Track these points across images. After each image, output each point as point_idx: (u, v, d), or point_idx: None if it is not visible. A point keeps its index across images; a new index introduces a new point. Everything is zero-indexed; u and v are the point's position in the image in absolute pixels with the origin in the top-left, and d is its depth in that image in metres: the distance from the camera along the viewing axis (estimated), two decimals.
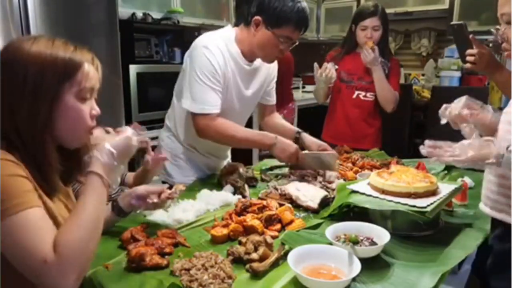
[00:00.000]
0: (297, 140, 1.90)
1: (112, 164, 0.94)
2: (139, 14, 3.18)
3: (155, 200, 1.27)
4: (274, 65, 1.93)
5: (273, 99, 2.03)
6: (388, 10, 4.45)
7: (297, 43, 1.73)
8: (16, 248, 0.80)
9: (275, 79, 2.00)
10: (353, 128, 2.48)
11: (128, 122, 2.85)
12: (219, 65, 1.65)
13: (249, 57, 1.75)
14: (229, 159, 2.10)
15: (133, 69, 2.92)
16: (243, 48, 1.73)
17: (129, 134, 1.00)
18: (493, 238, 1.22)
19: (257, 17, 1.65)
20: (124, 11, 2.99)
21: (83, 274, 0.84)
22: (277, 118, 2.09)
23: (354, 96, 2.44)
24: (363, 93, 2.43)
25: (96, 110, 0.97)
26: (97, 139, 0.97)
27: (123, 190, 1.34)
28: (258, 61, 1.80)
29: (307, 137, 1.92)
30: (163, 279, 1.01)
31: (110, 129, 1.02)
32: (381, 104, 2.42)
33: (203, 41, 1.68)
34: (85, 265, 0.85)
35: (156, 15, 3.37)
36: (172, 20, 3.45)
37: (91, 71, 0.94)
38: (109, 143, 0.95)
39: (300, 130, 1.97)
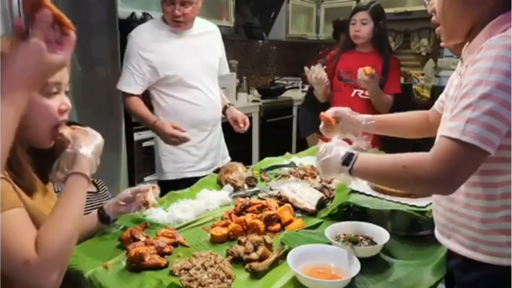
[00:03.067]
0: (224, 110, 2.13)
1: (94, 164, 0.94)
2: (139, 14, 3.17)
3: (144, 199, 1.24)
4: (218, 37, 2.13)
5: (221, 71, 2.18)
6: (387, 10, 4.44)
7: (189, 7, 1.84)
8: None
9: (222, 51, 2.17)
10: None
11: (128, 122, 2.84)
12: (141, 48, 1.89)
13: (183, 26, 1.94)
14: (226, 152, 2.22)
15: None
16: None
17: (94, 133, 0.99)
18: (455, 267, 1.03)
19: None
20: (123, 11, 2.98)
21: (64, 272, 0.84)
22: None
23: (353, 94, 2.43)
24: (362, 91, 2.41)
25: (66, 105, 0.94)
26: (73, 137, 0.94)
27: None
28: (199, 30, 2.01)
29: (232, 110, 2.12)
30: (162, 279, 1.01)
31: (77, 127, 0.99)
32: (376, 109, 2.39)
33: (132, 32, 1.96)
34: (66, 264, 0.85)
35: (156, 14, 3.33)
36: None
37: None
38: (91, 143, 0.94)
39: (229, 103, 2.17)
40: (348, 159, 1.00)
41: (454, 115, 0.85)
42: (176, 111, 1.96)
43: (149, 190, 1.26)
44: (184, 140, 1.85)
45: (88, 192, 1.54)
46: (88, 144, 0.94)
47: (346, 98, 2.43)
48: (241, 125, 2.04)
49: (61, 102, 0.93)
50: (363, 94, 2.40)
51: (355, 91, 2.42)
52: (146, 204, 1.25)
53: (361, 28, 2.34)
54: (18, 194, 0.85)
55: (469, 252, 0.94)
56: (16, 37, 0.75)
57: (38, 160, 0.97)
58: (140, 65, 1.90)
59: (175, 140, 1.86)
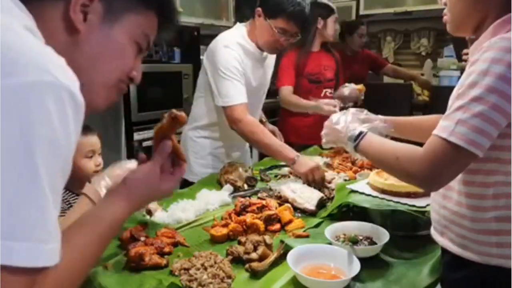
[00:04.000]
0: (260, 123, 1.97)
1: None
2: None
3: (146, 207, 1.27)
4: (274, 56, 2.03)
5: None
6: (387, 10, 4.49)
7: (298, 37, 1.81)
8: None
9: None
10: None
11: (128, 122, 2.85)
12: (239, 60, 1.77)
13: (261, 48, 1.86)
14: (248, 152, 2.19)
15: None
16: (255, 41, 1.83)
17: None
18: (444, 265, 1.04)
19: (258, 8, 1.76)
20: None
21: None
22: None
23: (323, 94, 2.55)
24: (329, 90, 2.55)
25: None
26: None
27: None
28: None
29: (267, 126, 2.05)
30: (162, 279, 1.01)
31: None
32: None
33: (222, 41, 1.80)
34: None
35: None
36: None
37: None
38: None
39: (264, 119, 2.12)
40: (357, 137, 1.09)
41: (446, 115, 0.88)
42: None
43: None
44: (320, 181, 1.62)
45: None
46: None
47: (318, 98, 2.51)
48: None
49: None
50: (330, 93, 2.56)
51: (324, 90, 2.54)
52: (149, 213, 1.26)
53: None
54: None
55: (459, 250, 0.94)
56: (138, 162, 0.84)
57: None
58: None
59: (311, 179, 1.62)
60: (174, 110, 0.80)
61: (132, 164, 1.04)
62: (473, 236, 0.92)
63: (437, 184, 0.91)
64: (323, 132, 1.28)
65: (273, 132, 1.98)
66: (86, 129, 1.47)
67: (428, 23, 4.60)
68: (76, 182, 1.37)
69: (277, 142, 1.78)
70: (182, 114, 0.80)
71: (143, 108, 3.03)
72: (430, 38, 4.68)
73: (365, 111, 1.29)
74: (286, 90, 2.46)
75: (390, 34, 4.94)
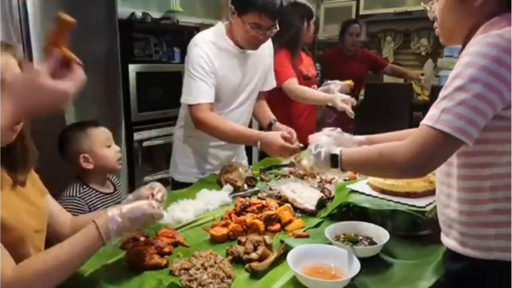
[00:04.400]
0: (269, 128, 1.93)
1: (114, 231, 0.94)
2: (139, 14, 3.18)
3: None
4: (270, 52, 1.99)
5: (267, 86, 2.07)
6: (387, 10, 4.49)
7: (275, 30, 1.74)
8: None
9: (272, 67, 2.06)
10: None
11: (128, 122, 2.85)
12: (209, 59, 1.73)
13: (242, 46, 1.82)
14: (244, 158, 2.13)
15: (133, 68, 2.91)
16: (235, 39, 1.80)
17: (145, 207, 0.99)
18: (445, 259, 1.05)
19: (231, 6, 1.74)
20: (123, 11, 2.98)
21: None
22: (261, 106, 2.08)
23: None
24: (315, 86, 2.58)
25: None
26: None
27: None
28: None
29: (277, 127, 1.91)
30: (162, 279, 1.01)
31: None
32: None
33: (195, 39, 1.79)
34: None
35: (156, 14, 3.37)
36: (172, 19, 3.44)
37: None
38: (123, 211, 0.96)
39: (274, 119, 1.97)
40: (335, 161, 1.11)
41: (433, 105, 0.91)
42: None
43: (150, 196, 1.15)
44: (294, 151, 1.63)
45: (106, 194, 1.55)
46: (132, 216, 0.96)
47: None
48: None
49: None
50: (315, 88, 2.58)
51: (312, 87, 2.56)
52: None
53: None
54: None
55: (460, 248, 0.96)
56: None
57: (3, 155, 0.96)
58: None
59: (285, 154, 1.67)
60: (59, 12, 0.77)
61: (146, 191, 1.09)
62: (472, 231, 0.94)
63: (424, 168, 0.93)
64: (311, 164, 1.27)
65: (289, 133, 1.70)
66: (95, 123, 1.59)
67: (428, 23, 4.57)
68: (103, 171, 1.59)
69: (239, 128, 1.76)
70: (67, 16, 0.77)
71: (143, 108, 3.03)
72: (430, 38, 4.68)
73: (338, 129, 1.35)
74: (292, 83, 2.34)
75: (390, 34, 4.95)
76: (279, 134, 1.62)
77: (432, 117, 0.89)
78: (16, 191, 0.98)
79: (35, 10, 2.13)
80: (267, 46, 1.95)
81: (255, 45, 1.79)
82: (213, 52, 1.75)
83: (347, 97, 2.19)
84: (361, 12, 4.67)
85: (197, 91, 1.72)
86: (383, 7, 4.52)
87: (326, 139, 1.21)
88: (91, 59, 2.40)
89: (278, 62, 2.31)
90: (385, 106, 3.55)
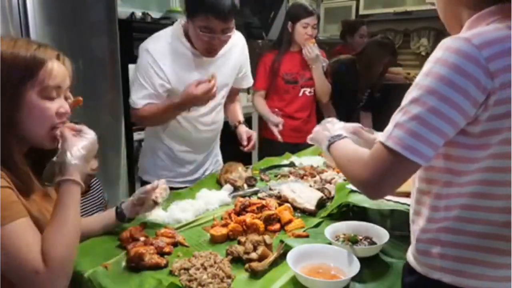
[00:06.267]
0: (235, 129, 1.93)
1: (84, 167, 0.94)
2: (138, 14, 3.18)
3: (156, 196, 1.27)
4: (242, 50, 1.88)
5: (243, 84, 2.01)
6: (387, 10, 4.49)
7: (231, 33, 1.61)
8: (7, 259, 0.81)
9: (247, 66, 1.96)
10: (307, 123, 2.62)
11: (128, 122, 2.85)
12: (153, 64, 1.63)
13: None
14: (218, 156, 2.06)
15: (133, 68, 2.91)
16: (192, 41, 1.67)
17: (87, 131, 0.98)
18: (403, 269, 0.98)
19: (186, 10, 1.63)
20: (123, 11, 2.99)
21: (70, 276, 0.89)
22: (233, 106, 2.04)
23: (301, 94, 2.59)
24: (308, 89, 2.59)
25: (64, 108, 0.95)
26: (63, 139, 0.94)
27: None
28: (223, 49, 1.71)
29: (241, 129, 1.90)
30: (162, 279, 1.01)
31: (71, 125, 0.99)
32: (318, 96, 2.64)
33: (147, 44, 1.68)
34: (72, 269, 0.90)
35: (156, 14, 3.37)
36: (171, 19, 3.43)
37: (55, 69, 0.91)
38: (79, 146, 0.93)
39: (239, 121, 1.94)
40: (332, 138, 1.02)
41: (393, 115, 0.81)
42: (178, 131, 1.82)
43: (156, 188, 1.29)
44: (212, 88, 1.57)
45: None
46: (76, 147, 0.93)
47: (296, 98, 2.60)
48: (245, 142, 1.83)
49: (59, 105, 0.94)
50: (310, 92, 2.60)
51: (302, 90, 2.58)
52: (156, 203, 1.27)
53: (313, 32, 2.48)
54: (21, 201, 0.87)
55: (413, 261, 0.90)
56: None
57: (39, 162, 0.98)
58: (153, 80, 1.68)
59: (208, 96, 1.59)
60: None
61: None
62: (422, 247, 0.87)
63: (378, 191, 0.83)
64: (314, 129, 1.19)
65: (249, 138, 1.84)
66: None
67: (428, 23, 4.60)
68: None
69: (164, 104, 1.66)
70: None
71: None
72: (430, 38, 4.68)
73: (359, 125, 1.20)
74: (256, 95, 2.61)
75: (390, 34, 4.94)
76: (192, 84, 1.57)
77: (386, 133, 0.79)
78: (45, 199, 1.00)
79: (35, 10, 2.13)
80: (241, 44, 1.86)
81: (210, 51, 1.64)
82: (166, 58, 1.65)
83: (278, 119, 2.45)
84: (361, 12, 4.67)
85: (136, 95, 1.68)
86: (383, 7, 4.52)
87: (343, 124, 1.11)
88: (91, 59, 2.40)
89: (258, 66, 2.49)
90: (385, 106, 3.54)
